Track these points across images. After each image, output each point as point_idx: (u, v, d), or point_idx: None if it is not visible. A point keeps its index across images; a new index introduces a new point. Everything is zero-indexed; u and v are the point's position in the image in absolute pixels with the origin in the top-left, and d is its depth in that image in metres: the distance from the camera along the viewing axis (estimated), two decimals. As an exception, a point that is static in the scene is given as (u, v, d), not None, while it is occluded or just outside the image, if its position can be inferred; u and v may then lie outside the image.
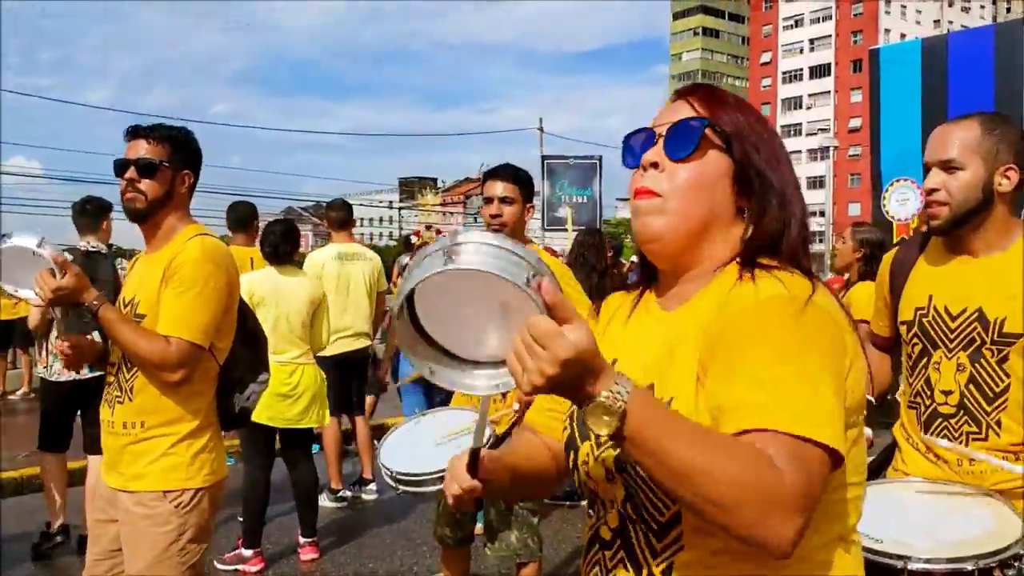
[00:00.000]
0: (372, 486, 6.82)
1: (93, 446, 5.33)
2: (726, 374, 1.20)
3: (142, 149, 2.92)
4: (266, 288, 5.44)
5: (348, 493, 6.70)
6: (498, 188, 3.88)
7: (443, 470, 3.54)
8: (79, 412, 5.47)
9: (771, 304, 1.24)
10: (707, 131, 1.36)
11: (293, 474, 5.54)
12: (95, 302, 2.81)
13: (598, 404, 1.09)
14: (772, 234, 1.36)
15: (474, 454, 1.34)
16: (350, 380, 6.72)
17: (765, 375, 1.16)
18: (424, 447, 3.76)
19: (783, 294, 1.25)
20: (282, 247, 5.54)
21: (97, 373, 5.16)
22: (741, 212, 1.38)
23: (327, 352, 6.49)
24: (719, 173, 1.36)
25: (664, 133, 1.38)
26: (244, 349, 3.14)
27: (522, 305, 1.11)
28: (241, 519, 5.48)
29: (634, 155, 1.42)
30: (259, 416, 5.14)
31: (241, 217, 6.48)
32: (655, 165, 1.38)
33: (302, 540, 5.49)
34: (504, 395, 3.79)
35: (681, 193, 1.36)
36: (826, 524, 1.28)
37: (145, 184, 2.90)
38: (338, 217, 6.82)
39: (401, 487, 3.76)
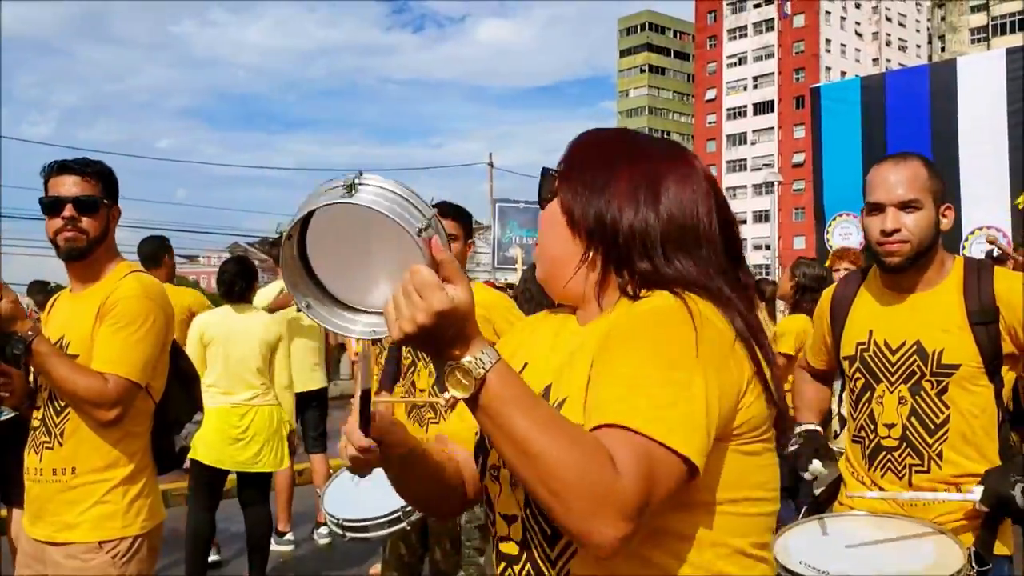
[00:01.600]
0: (324, 529, 6.69)
1: (14, 498, 5.11)
2: (597, 374, 1.23)
3: (76, 186, 2.79)
4: (218, 328, 5.31)
5: (292, 536, 6.53)
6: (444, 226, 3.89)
7: (390, 514, 3.49)
8: None
9: (652, 311, 1.26)
10: (551, 176, 1.45)
11: (247, 519, 5.38)
12: (29, 332, 2.64)
13: (460, 366, 1.12)
14: (640, 268, 1.35)
15: (364, 401, 1.29)
16: (306, 417, 6.63)
17: (630, 374, 1.18)
18: (369, 491, 3.71)
19: (668, 304, 1.26)
20: (237, 285, 5.40)
21: (10, 415, 4.97)
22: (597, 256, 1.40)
23: (288, 390, 6.42)
24: (555, 218, 1.42)
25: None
26: (178, 389, 3.03)
27: (410, 258, 1.13)
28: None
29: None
30: (207, 457, 5.06)
31: (149, 254, 6.04)
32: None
33: (251, 584, 5.35)
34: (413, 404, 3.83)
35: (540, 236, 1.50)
36: (723, 536, 1.28)
37: (86, 222, 2.79)
38: (278, 252, 6.77)
39: (348, 534, 3.70)
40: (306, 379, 6.56)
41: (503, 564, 1.39)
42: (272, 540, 6.31)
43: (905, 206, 2.41)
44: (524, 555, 1.34)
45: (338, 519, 3.62)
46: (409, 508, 3.50)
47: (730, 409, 1.23)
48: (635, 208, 1.38)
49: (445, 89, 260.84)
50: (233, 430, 5.18)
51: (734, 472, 1.27)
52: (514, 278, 9.07)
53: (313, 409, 6.74)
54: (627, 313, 1.29)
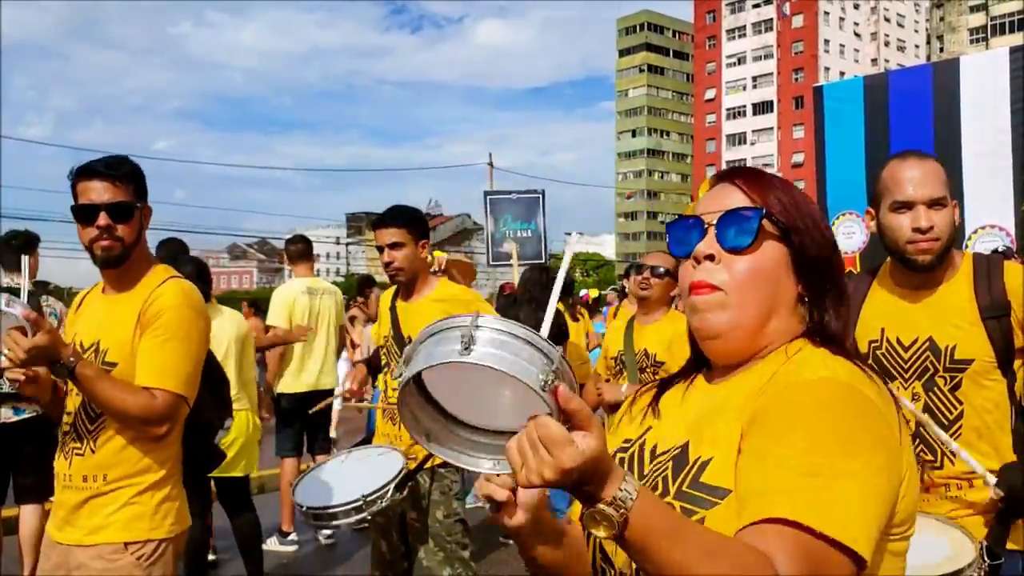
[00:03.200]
0: (327, 530, 6.69)
1: (24, 496, 5.13)
2: (759, 452, 1.14)
3: (108, 192, 2.69)
4: None
5: (295, 536, 6.52)
6: (385, 236, 3.90)
7: (351, 502, 3.55)
8: (7, 459, 5.12)
9: (820, 385, 1.18)
10: (764, 222, 1.30)
11: (232, 523, 5.36)
12: (72, 359, 2.56)
13: (599, 510, 1.05)
14: (833, 320, 1.32)
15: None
16: (315, 417, 6.62)
17: (801, 460, 1.09)
18: (338, 482, 3.77)
19: (836, 378, 1.19)
20: (199, 287, 5.28)
21: (24, 416, 4.97)
22: (800, 299, 1.34)
23: (297, 388, 6.41)
24: (777, 263, 1.31)
25: (715, 222, 1.32)
26: (209, 393, 2.99)
27: (535, 399, 1.07)
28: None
29: (683, 244, 1.35)
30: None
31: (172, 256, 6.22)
32: (711, 257, 1.31)
33: (249, 586, 5.33)
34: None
35: (742, 286, 1.30)
36: None
37: (121, 229, 2.70)
38: (297, 250, 6.76)
39: (314, 522, 3.77)
40: (321, 378, 6.55)
41: None
42: (275, 540, 6.33)
43: (935, 203, 2.39)
44: None
45: (303, 507, 3.70)
46: (372, 497, 3.54)
47: (895, 501, 1.17)
48: (838, 254, 1.36)
49: (443, 90, 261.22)
50: None
51: (883, 567, 1.22)
52: (510, 274, 8.99)
53: (323, 409, 6.70)
54: (791, 381, 1.21)
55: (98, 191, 2.70)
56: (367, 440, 4.42)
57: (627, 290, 9.06)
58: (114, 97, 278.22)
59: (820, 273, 1.32)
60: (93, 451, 2.72)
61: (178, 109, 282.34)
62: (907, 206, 2.41)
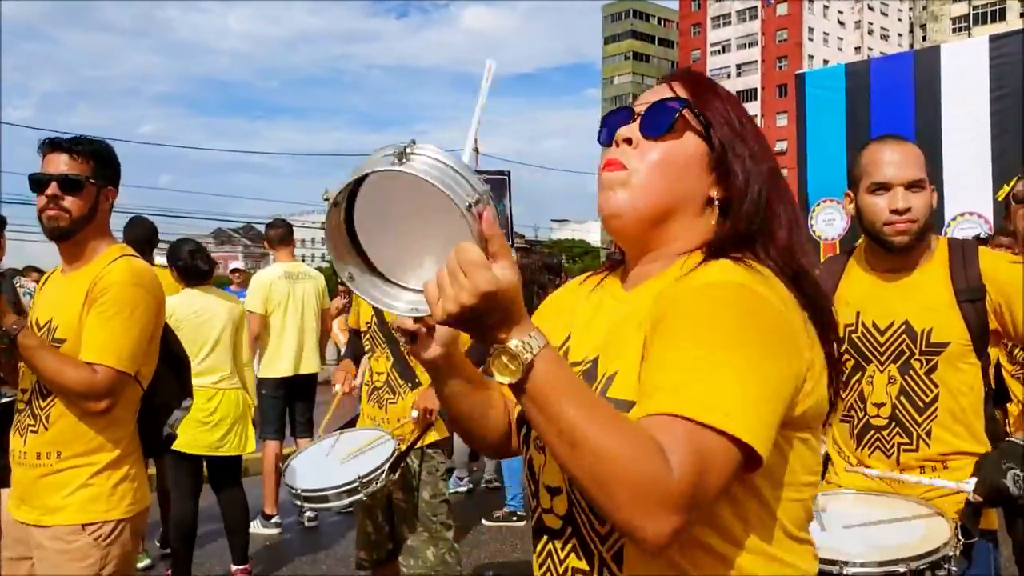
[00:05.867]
0: (311, 512, 6.70)
1: (5, 478, 5.10)
2: (653, 356, 1.17)
3: (63, 164, 2.74)
4: (187, 310, 5.20)
5: (278, 519, 6.53)
6: None
7: (347, 484, 3.58)
8: None
9: (714, 288, 1.19)
10: (685, 112, 1.32)
11: (221, 502, 5.36)
12: (14, 327, 2.60)
13: (506, 349, 1.07)
14: (746, 228, 1.30)
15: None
16: (296, 401, 6.66)
17: (688, 357, 1.11)
18: (329, 465, 3.79)
19: (732, 280, 1.20)
20: (199, 266, 5.28)
21: (11, 397, 4.94)
22: (710, 202, 1.33)
23: (275, 373, 6.41)
24: (692, 156, 1.31)
25: (642, 112, 1.34)
26: (168, 373, 3.00)
27: (458, 234, 1.08)
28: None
29: (609, 131, 1.38)
30: (177, 443, 4.98)
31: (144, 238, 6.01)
32: (628, 141, 1.33)
33: (234, 568, 5.36)
34: (415, 417, 3.82)
35: (648, 169, 1.31)
36: (778, 522, 1.25)
37: (69, 201, 2.73)
38: (277, 235, 6.73)
39: (306, 505, 3.79)
40: (302, 363, 6.56)
41: (544, 538, 1.34)
42: (259, 523, 6.34)
43: (912, 186, 2.42)
44: (569, 529, 1.29)
45: (296, 490, 3.71)
46: (368, 479, 3.57)
47: (793, 396, 1.18)
48: (773, 175, 1.34)
49: (429, 76, 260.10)
50: (200, 413, 5.10)
51: (792, 459, 1.24)
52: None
53: (306, 393, 6.75)
54: (685, 287, 1.22)
55: (55, 163, 2.76)
56: (352, 423, 4.43)
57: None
58: (100, 80, 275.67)
59: (741, 178, 1.31)
60: (46, 428, 2.74)
61: (164, 93, 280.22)
62: (885, 188, 2.43)
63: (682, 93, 1.35)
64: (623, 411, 1.16)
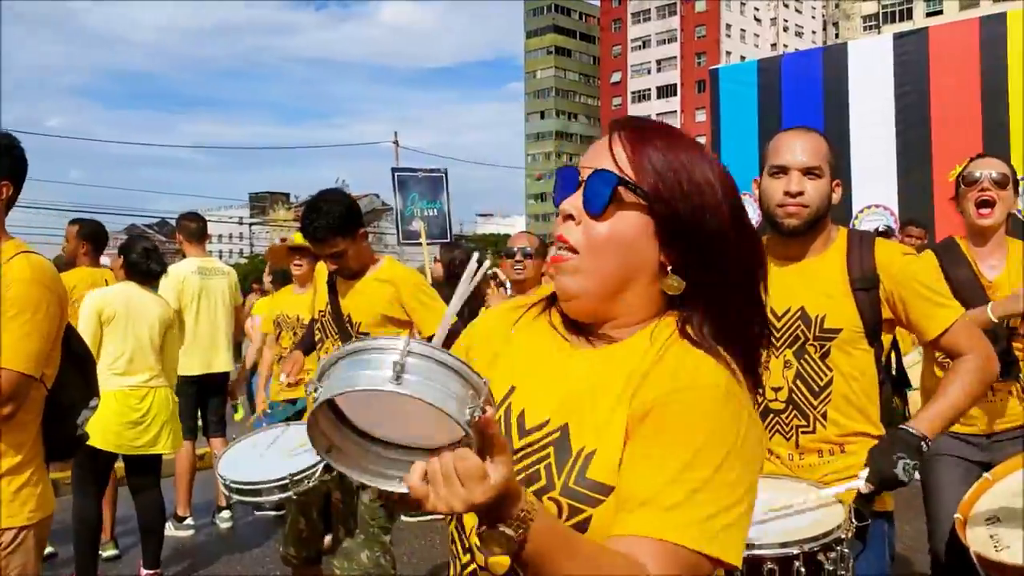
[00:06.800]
0: (225, 513, 6.57)
1: None
2: (647, 458, 1.18)
3: None
4: (120, 306, 5.07)
5: (191, 520, 6.39)
6: (324, 250, 3.82)
7: (279, 479, 3.51)
8: None
9: (705, 395, 1.20)
10: (621, 188, 1.26)
11: (138, 502, 5.22)
12: None
13: (499, 532, 1.05)
14: (704, 287, 1.27)
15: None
16: (209, 400, 6.53)
17: (681, 474, 1.14)
18: (267, 458, 3.71)
19: (720, 385, 1.21)
20: (150, 264, 5.19)
21: None
22: (664, 268, 1.29)
23: (187, 371, 6.26)
24: (636, 228, 1.27)
25: (586, 179, 1.29)
26: (73, 373, 2.88)
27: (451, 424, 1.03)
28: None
29: (557, 197, 1.34)
30: (106, 443, 4.87)
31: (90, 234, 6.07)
32: (571, 217, 1.30)
33: (144, 572, 5.20)
34: None
35: (593, 251, 1.27)
36: None
37: None
38: (194, 228, 6.56)
39: (237, 496, 3.70)
40: (215, 360, 6.43)
41: (467, 557, 1.32)
42: (171, 525, 6.18)
43: (808, 172, 2.48)
44: None
45: (228, 481, 3.62)
46: (298, 477, 3.51)
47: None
48: (726, 222, 1.27)
49: (349, 70, 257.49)
50: (133, 413, 5.02)
51: None
52: (420, 253, 8.95)
53: (218, 392, 6.61)
54: (674, 387, 1.21)
55: None
56: (300, 414, 4.33)
57: (500, 278, 9.19)
58: (4, 71, 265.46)
59: (691, 243, 1.26)
60: None
61: (74, 85, 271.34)
62: (782, 171, 2.50)
63: (621, 152, 1.28)
64: (604, 496, 1.19)
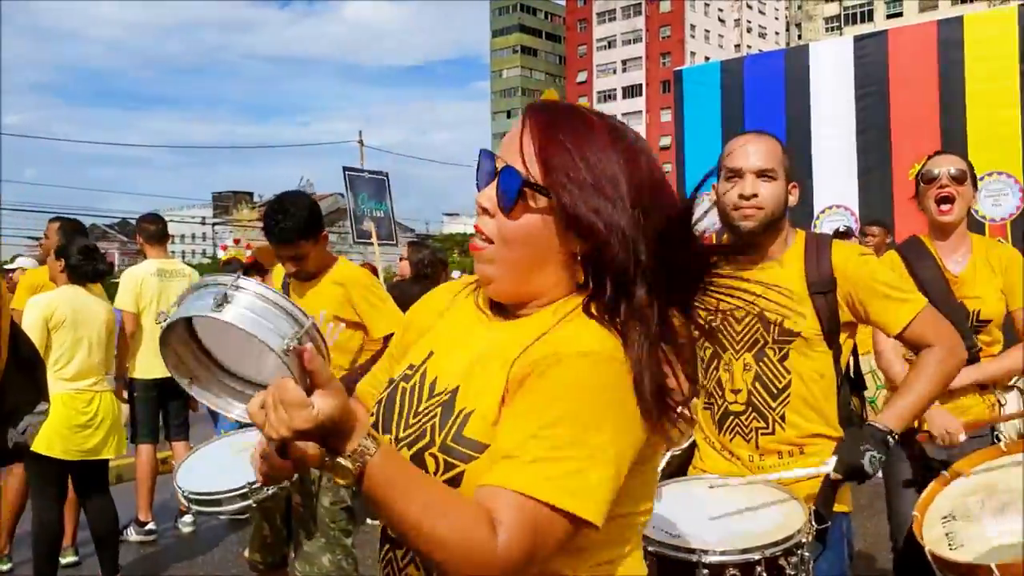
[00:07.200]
0: (188, 517, 6.48)
1: None
2: (517, 416, 1.25)
3: None
4: (67, 310, 4.97)
5: (153, 525, 6.28)
6: (287, 252, 3.80)
7: (238, 489, 3.46)
8: None
9: (585, 361, 1.24)
10: (526, 189, 1.32)
11: (89, 511, 5.12)
12: None
13: (337, 462, 1.15)
14: (616, 274, 1.30)
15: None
16: (171, 403, 6.43)
17: (550, 434, 1.19)
18: (225, 467, 3.66)
19: (601, 352, 1.25)
20: (88, 265, 5.06)
21: None
22: (574, 257, 1.36)
23: (148, 374, 6.17)
24: (545, 222, 1.33)
25: (500, 170, 1.35)
26: (17, 376, 2.80)
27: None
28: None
29: (479, 181, 1.40)
30: (52, 449, 4.75)
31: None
32: (487, 210, 1.37)
33: (104, 582, 5.10)
34: None
35: (505, 244, 1.35)
36: (620, 547, 1.37)
37: None
38: (154, 230, 6.45)
39: (196, 508, 3.65)
40: None
41: (387, 545, 1.43)
42: (133, 531, 6.10)
43: (762, 174, 2.51)
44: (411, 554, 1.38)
45: (186, 491, 3.57)
46: (257, 485, 3.47)
47: (636, 456, 1.27)
48: (629, 211, 1.31)
49: (313, 67, 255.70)
50: (81, 417, 4.93)
51: (632, 491, 1.31)
52: (369, 253, 8.91)
53: (179, 395, 6.50)
54: (555, 351, 1.26)
55: None
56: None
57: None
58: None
59: (593, 236, 1.30)
60: None
61: (31, 82, 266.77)
62: (737, 174, 2.53)
63: (529, 147, 1.33)
64: (477, 453, 1.27)
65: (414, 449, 1.34)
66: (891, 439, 2.34)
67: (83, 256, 5.04)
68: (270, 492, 3.52)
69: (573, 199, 1.30)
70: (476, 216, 1.39)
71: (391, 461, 1.18)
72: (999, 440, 3.14)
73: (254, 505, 3.53)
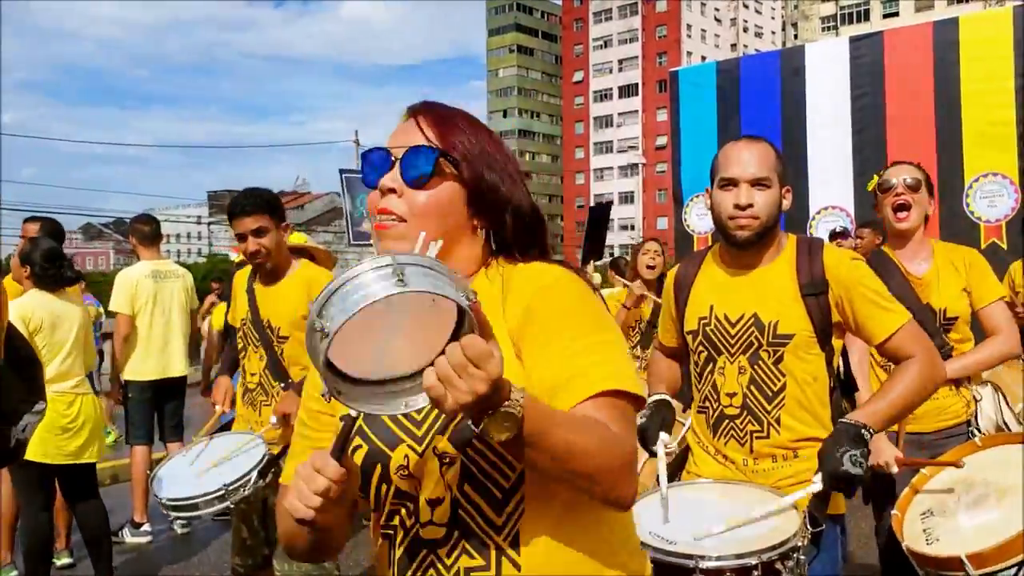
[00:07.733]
0: (182, 520, 6.46)
1: None
2: (547, 346, 1.37)
3: None
4: (44, 314, 4.91)
5: (148, 527, 6.27)
6: (247, 223, 3.80)
7: (215, 491, 3.48)
8: None
9: (563, 283, 1.44)
10: (440, 160, 1.44)
11: (78, 514, 5.10)
12: None
13: (501, 413, 1.16)
14: (517, 240, 1.51)
15: (348, 430, 1.24)
16: (165, 405, 6.43)
17: (577, 346, 1.36)
18: (198, 471, 3.68)
19: (566, 274, 1.46)
20: (54, 270, 4.94)
21: None
22: (475, 229, 1.50)
23: (142, 376, 6.18)
24: (453, 195, 1.46)
25: (400, 156, 1.45)
26: (15, 376, 2.81)
27: (435, 323, 1.15)
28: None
29: (372, 176, 1.48)
30: (32, 453, 4.63)
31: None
32: (393, 190, 1.45)
33: (99, 585, 5.08)
34: (275, 423, 3.75)
35: (417, 218, 1.43)
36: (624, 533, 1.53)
37: None
38: (147, 231, 6.43)
39: (175, 514, 3.68)
40: (170, 365, 6.34)
41: (423, 551, 1.40)
42: (128, 532, 6.10)
43: (757, 183, 2.52)
44: (455, 533, 1.38)
45: (162, 499, 3.60)
46: (233, 486, 3.48)
47: None
48: (519, 185, 1.53)
49: (309, 66, 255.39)
50: (62, 419, 4.88)
51: None
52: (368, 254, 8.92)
53: (174, 396, 6.52)
54: (541, 286, 1.42)
55: None
56: (227, 427, 4.28)
57: None
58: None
59: (498, 204, 1.49)
60: None
61: (26, 81, 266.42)
62: (732, 183, 2.54)
63: (430, 132, 1.47)
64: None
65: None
66: (865, 432, 2.32)
67: (48, 263, 4.92)
68: (246, 492, 3.54)
69: (478, 171, 1.47)
70: (375, 198, 1.47)
71: (533, 399, 1.22)
72: (975, 436, 3.16)
73: (231, 506, 3.57)
